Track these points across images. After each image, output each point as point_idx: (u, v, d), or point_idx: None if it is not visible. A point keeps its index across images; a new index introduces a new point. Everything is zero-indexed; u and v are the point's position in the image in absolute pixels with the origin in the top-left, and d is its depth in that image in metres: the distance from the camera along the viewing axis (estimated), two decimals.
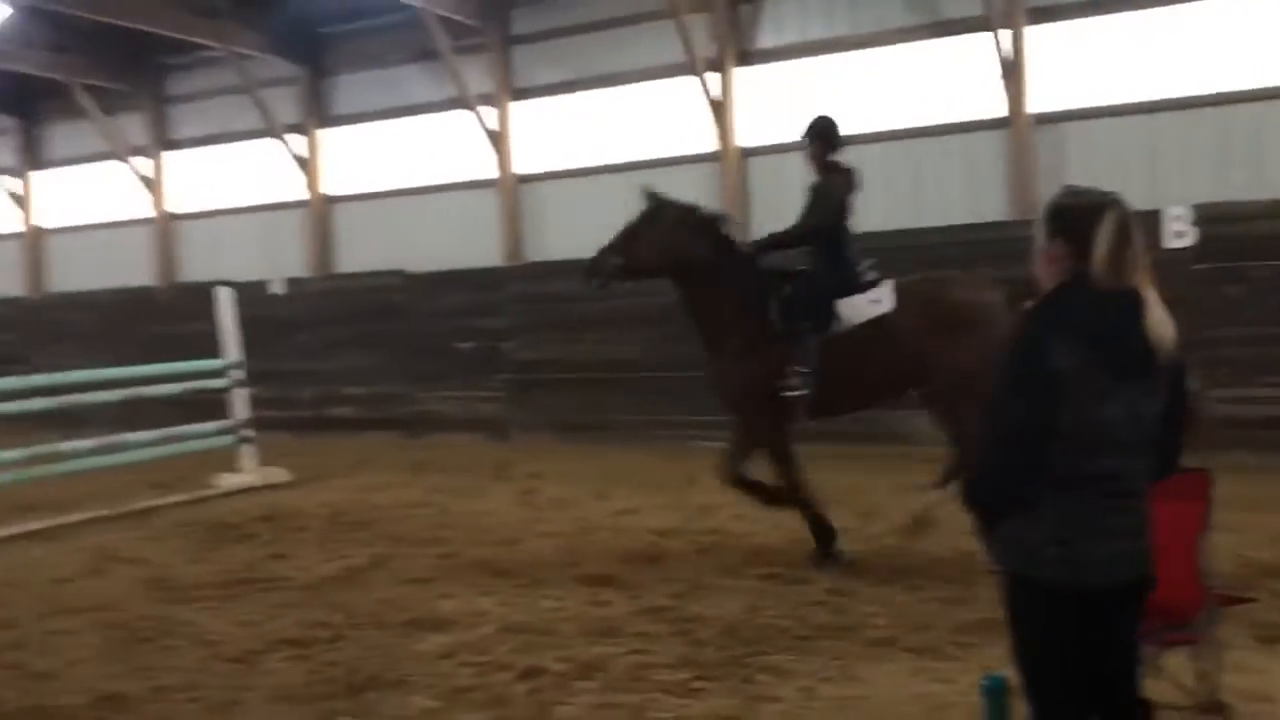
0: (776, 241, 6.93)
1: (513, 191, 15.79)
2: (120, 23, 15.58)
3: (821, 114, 7.06)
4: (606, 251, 7.15)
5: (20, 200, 20.59)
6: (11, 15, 15.43)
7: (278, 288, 16.25)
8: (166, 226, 18.94)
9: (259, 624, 5.80)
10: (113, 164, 19.05)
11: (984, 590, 5.09)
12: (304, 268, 17.24)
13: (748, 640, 5.18)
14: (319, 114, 17.28)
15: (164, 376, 10.92)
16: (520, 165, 15.80)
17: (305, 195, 17.45)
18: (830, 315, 6.51)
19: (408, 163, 16.77)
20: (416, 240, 16.39)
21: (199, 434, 10.67)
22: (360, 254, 16.98)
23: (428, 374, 14.97)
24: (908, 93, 13.31)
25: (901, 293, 6.55)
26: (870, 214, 13.07)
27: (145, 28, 15.72)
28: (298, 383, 15.79)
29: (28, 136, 20.44)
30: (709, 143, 14.33)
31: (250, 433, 10.86)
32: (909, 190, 13.22)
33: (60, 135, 20.14)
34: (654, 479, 10.03)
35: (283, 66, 17.11)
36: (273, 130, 17.17)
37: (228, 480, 10.47)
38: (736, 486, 6.83)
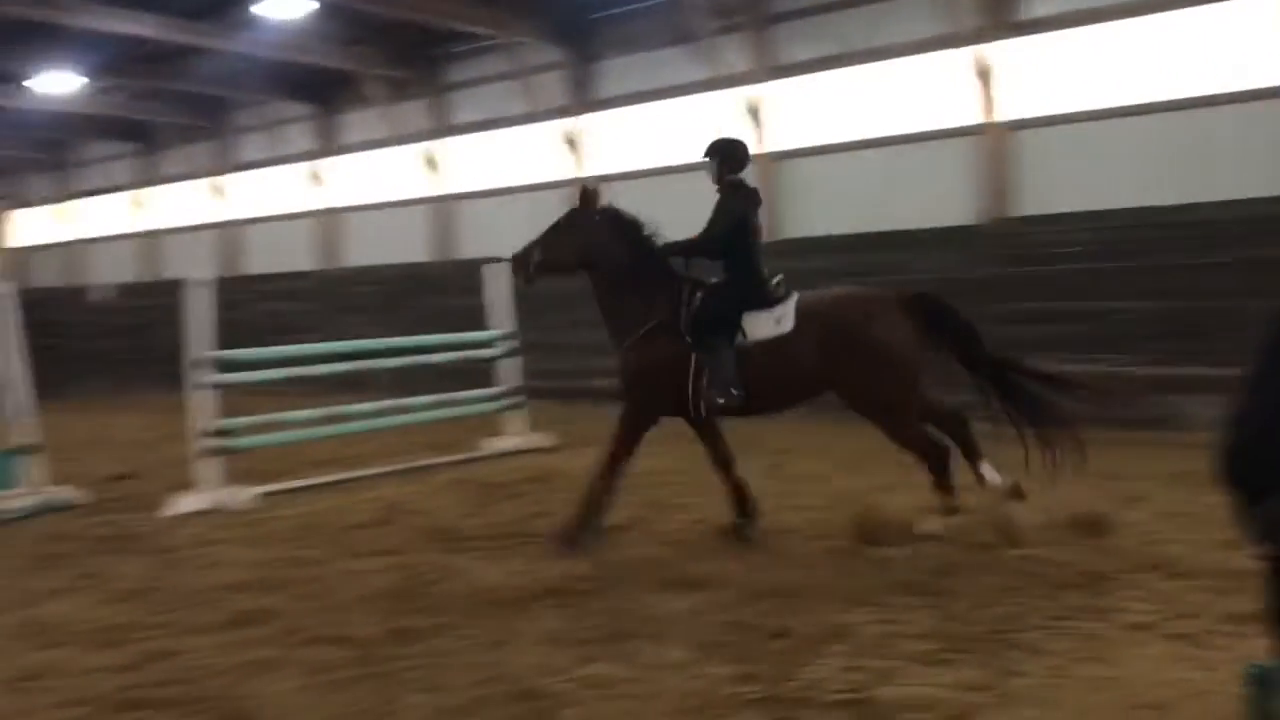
0: (678, 250, 7.20)
1: (770, 168, 15.90)
2: (407, 16, 16.72)
3: (723, 135, 7.36)
4: (530, 248, 7.36)
5: (317, 182, 22.43)
6: (311, 12, 16.78)
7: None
8: (444, 206, 20.18)
9: (526, 574, 6.21)
10: (398, 148, 20.47)
11: (1256, 581, 4.85)
12: None
13: (1000, 617, 5.14)
14: (585, 98, 17.94)
15: (441, 346, 11.71)
16: (778, 143, 15.89)
17: (572, 175, 18.19)
18: (735, 330, 6.73)
19: (669, 142, 17.18)
20: (675, 219, 16.73)
21: (473, 399, 11.38)
22: None
23: None
24: (1193, 59, 12.52)
25: (800, 313, 6.72)
26: (1156, 188, 12.50)
27: (429, 19, 16.79)
28: (560, 354, 16.50)
29: (324, 123, 22.22)
30: (973, 116, 13.97)
31: (519, 399, 11.51)
32: (1198, 163, 12.45)
33: (352, 122, 21.79)
34: (908, 458, 9.94)
35: (552, 53, 17.89)
36: (542, 114, 17.99)
37: (498, 443, 11.16)
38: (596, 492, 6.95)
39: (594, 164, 18.08)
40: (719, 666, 4.61)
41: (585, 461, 10.13)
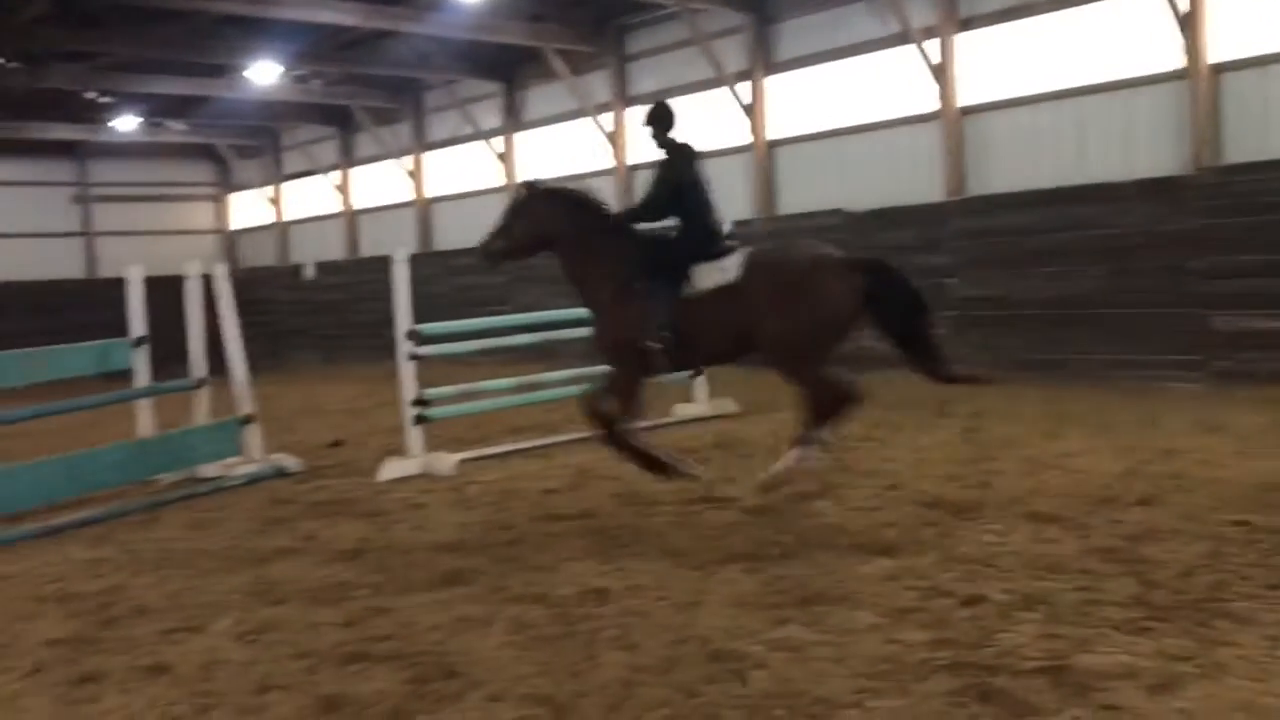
0: (627, 218, 7.54)
1: (956, 124, 15.47)
2: None
3: (657, 101, 7.74)
4: (492, 235, 7.77)
5: (505, 158, 23.03)
6: None
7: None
8: (627, 176, 20.43)
9: (716, 538, 6.33)
10: (581, 121, 20.82)
11: None
12: (751, 209, 17.96)
13: (1207, 586, 4.95)
14: (764, 61, 17.81)
15: None
16: (964, 97, 15.42)
17: (749, 140, 18.13)
18: (683, 278, 7.06)
19: (848, 102, 16.91)
20: (857, 179, 16.55)
21: None
22: (802, 195, 17.42)
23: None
24: None
25: (748, 262, 7.01)
26: None
27: None
28: None
29: (510, 100, 22.77)
30: (1175, 60, 13.22)
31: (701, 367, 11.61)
32: None
33: (536, 97, 22.26)
34: (1110, 420, 9.62)
35: (731, 17, 17.82)
36: (722, 79, 17.96)
37: (684, 409, 11.32)
38: (592, 418, 7.38)
39: (772, 126, 17.95)
40: (911, 632, 4.60)
41: (768, 427, 10.30)
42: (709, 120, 18.85)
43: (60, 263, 28.66)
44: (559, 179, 22.51)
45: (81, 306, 21.53)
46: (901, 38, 15.64)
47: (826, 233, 15.70)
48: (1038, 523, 6.28)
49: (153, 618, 5.44)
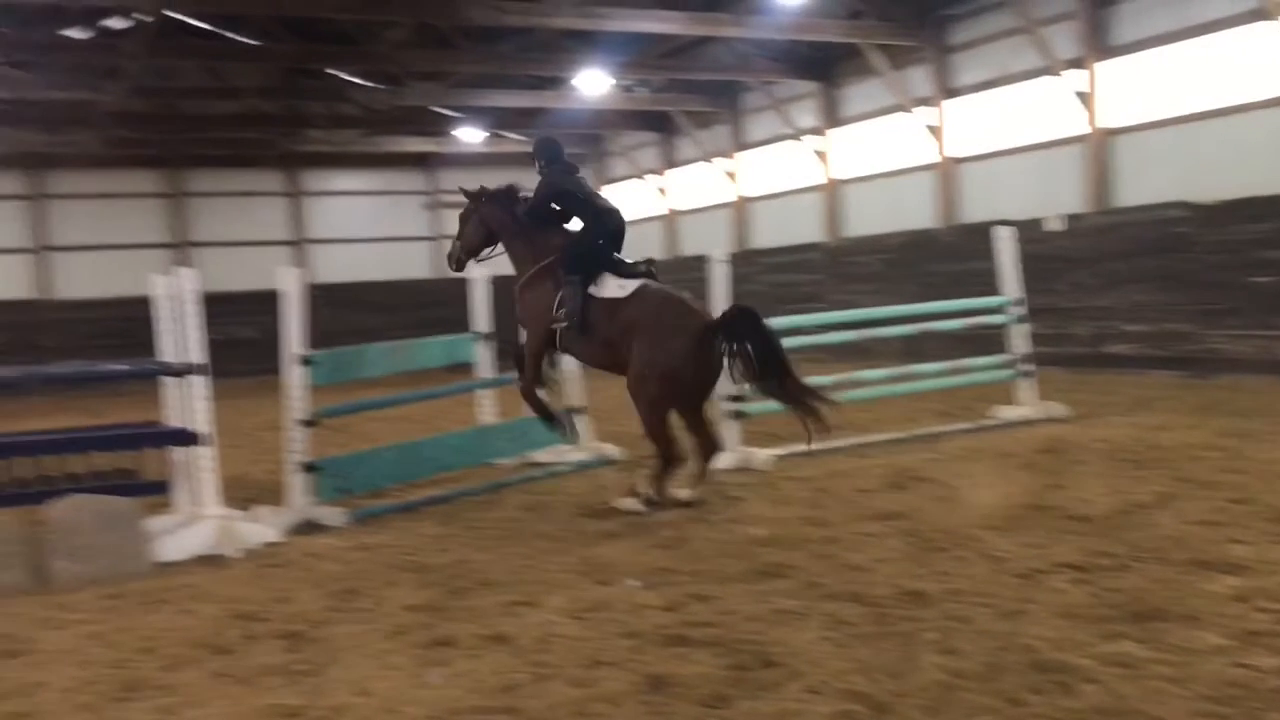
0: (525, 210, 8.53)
1: None
2: None
3: (541, 135, 9.05)
4: (454, 242, 8.94)
5: (821, 156, 23.00)
6: None
7: (1055, 224, 16.28)
8: (947, 170, 19.89)
9: (1042, 546, 6.08)
10: (899, 116, 20.46)
11: None
12: (1081, 203, 17.03)
13: None
14: (1099, 45, 16.83)
15: (947, 313, 11.63)
16: None
17: (1083, 130, 17.17)
18: (593, 275, 7.95)
19: (1195, 86, 15.65)
20: (1205, 169, 15.30)
21: (980, 367, 11.21)
22: (1142, 186, 16.29)
23: (1217, 311, 14.04)
24: None
25: (637, 291, 7.84)
26: None
27: None
28: (1075, 319, 15.77)
29: (826, 98, 22.70)
30: None
31: (1029, 367, 11.16)
32: None
33: (853, 94, 22.08)
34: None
35: (1062, 2, 16.96)
36: (1051, 68, 17.13)
37: (1007, 412, 10.91)
38: (527, 399, 8.40)
39: (1109, 115, 16.90)
40: (1263, 657, 4.26)
41: (1101, 433, 9.77)
42: (1036, 111, 18.04)
43: (412, 264, 31.25)
44: (874, 175, 22.43)
45: (428, 304, 23.45)
46: (1258, 14, 14.33)
47: (1169, 225, 14.72)
48: None
49: (495, 590, 5.87)
